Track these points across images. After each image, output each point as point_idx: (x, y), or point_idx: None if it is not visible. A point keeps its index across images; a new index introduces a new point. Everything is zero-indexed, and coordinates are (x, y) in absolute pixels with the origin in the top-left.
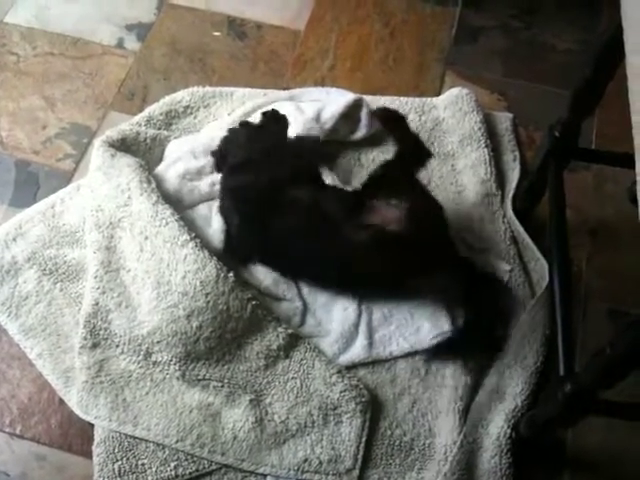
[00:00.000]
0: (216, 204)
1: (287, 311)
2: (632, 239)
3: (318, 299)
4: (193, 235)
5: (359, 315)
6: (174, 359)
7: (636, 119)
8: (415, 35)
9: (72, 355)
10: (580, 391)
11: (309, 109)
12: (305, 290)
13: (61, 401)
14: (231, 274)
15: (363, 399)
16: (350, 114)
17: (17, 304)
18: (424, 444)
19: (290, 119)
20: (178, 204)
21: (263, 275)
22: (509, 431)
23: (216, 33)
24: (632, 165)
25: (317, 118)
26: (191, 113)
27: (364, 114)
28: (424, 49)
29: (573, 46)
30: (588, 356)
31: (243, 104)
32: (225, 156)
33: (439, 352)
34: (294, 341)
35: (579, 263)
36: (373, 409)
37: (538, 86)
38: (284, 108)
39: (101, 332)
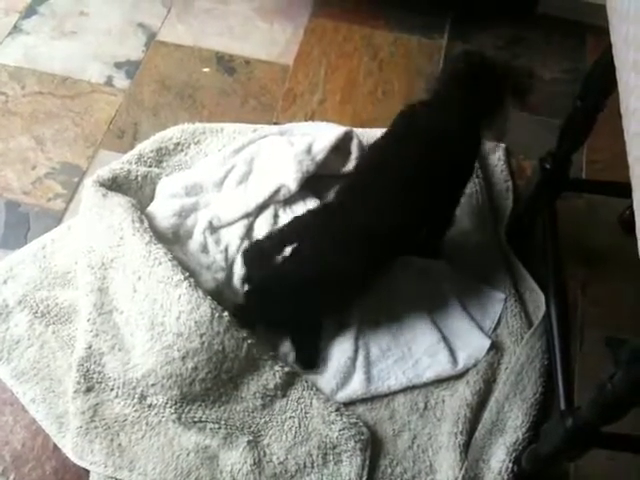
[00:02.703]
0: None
1: (283, 348)
2: (625, 266)
3: None
4: (187, 275)
5: (356, 350)
6: (169, 402)
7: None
8: (403, 67)
9: (66, 400)
10: (582, 426)
11: (300, 143)
12: None
13: (55, 447)
14: (226, 313)
15: (362, 437)
16: (341, 147)
17: (8, 348)
18: None
19: (281, 153)
20: (172, 241)
21: None
22: (511, 465)
23: (205, 69)
24: (623, 194)
25: (308, 151)
26: (182, 150)
27: (354, 146)
28: (412, 81)
29: (560, 75)
30: (587, 386)
31: (234, 139)
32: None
33: None
34: (291, 379)
35: (574, 291)
36: (373, 447)
37: (527, 115)
38: (275, 143)
39: (95, 376)
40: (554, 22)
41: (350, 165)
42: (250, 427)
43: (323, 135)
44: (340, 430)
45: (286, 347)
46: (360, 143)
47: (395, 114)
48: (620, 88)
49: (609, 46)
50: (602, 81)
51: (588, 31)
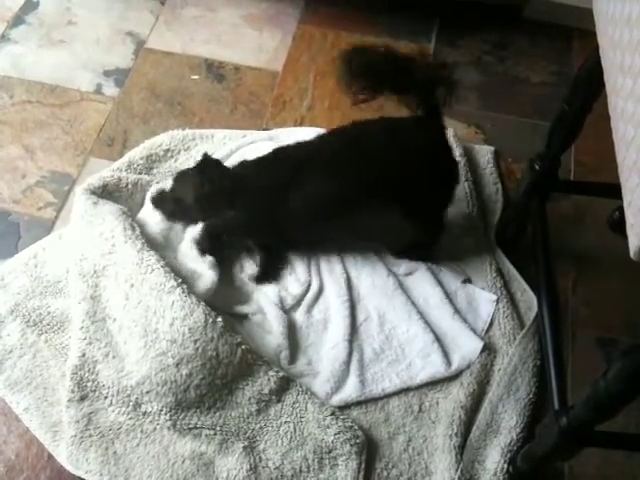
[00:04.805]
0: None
1: (276, 348)
2: (614, 266)
3: (309, 336)
4: (180, 281)
5: (350, 353)
6: (164, 409)
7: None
8: None
9: (60, 408)
10: (576, 425)
11: None
12: (297, 325)
13: (50, 456)
14: (220, 319)
15: (358, 440)
16: None
17: (1, 358)
18: None
19: None
20: (164, 246)
21: (254, 307)
22: (506, 466)
23: (194, 76)
24: (611, 195)
25: None
26: (172, 156)
27: None
28: None
29: (546, 78)
30: (579, 385)
31: (224, 145)
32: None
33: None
34: (285, 384)
35: (565, 292)
36: (368, 450)
37: (514, 118)
38: (262, 148)
39: (89, 384)
40: (540, 26)
41: None
42: (245, 433)
43: None
44: (335, 434)
45: None
46: None
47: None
48: (608, 90)
49: (596, 49)
50: (590, 83)
51: (574, 34)
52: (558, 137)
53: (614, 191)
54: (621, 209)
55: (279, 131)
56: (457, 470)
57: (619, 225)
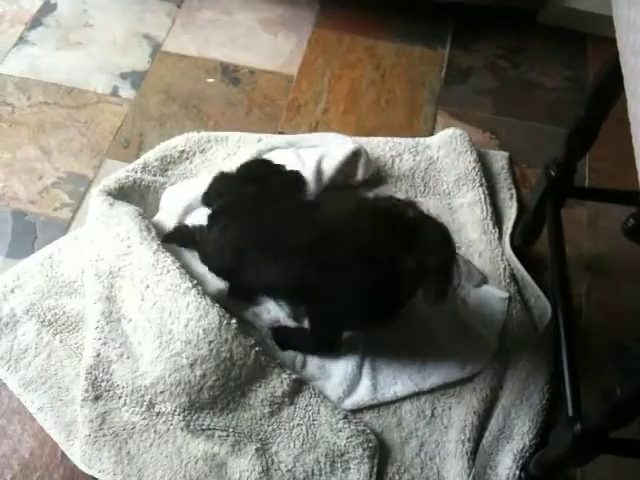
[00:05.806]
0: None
1: (290, 353)
2: (628, 273)
3: None
4: (195, 282)
5: (362, 356)
6: (178, 409)
7: None
8: (406, 77)
9: (74, 408)
10: (590, 431)
11: (309, 160)
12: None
13: (64, 455)
14: (234, 321)
15: (370, 444)
16: (348, 162)
17: (16, 357)
18: None
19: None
20: (178, 248)
21: (267, 316)
22: (518, 472)
23: (210, 79)
24: (625, 201)
25: (318, 170)
26: (187, 158)
27: (362, 162)
28: (415, 90)
29: (561, 83)
30: (593, 392)
31: (239, 148)
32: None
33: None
34: (298, 387)
35: (578, 298)
36: (380, 454)
37: (528, 123)
38: (284, 157)
39: (103, 384)
40: (554, 31)
41: (357, 178)
42: (258, 435)
43: (331, 152)
44: (348, 437)
45: None
46: (368, 160)
47: (399, 123)
48: (628, 96)
49: (614, 54)
50: (607, 90)
51: (588, 40)
52: (574, 143)
53: (629, 198)
54: (635, 216)
55: (298, 137)
56: (469, 475)
57: (633, 232)
